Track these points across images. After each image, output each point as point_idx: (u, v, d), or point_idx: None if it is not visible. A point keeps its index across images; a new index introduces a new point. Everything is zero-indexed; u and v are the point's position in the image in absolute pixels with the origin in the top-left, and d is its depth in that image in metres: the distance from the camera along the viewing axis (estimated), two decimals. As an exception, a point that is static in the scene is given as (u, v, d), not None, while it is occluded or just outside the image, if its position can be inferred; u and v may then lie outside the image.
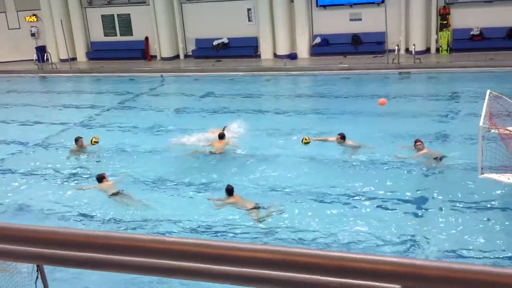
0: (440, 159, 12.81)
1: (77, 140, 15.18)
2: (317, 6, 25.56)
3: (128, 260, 2.06)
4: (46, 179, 13.75)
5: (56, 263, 2.28)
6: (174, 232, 10.47)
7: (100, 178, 12.56)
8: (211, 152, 14.29)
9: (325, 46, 25.61)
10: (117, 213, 11.57)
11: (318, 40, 25.71)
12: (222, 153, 14.28)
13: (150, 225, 10.90)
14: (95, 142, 15.02)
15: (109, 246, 2.05)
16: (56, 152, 15.77)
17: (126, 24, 29.18)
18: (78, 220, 11.41)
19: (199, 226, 10.68)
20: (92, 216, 11.53)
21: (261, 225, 10.50)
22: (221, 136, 14.77)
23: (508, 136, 11.79)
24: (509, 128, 12.01)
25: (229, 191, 11.39)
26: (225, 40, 27.14)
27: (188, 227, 10.69)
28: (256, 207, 11.01)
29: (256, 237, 10.06)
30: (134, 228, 10.84)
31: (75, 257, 2.13)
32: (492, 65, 21.22)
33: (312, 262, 1.81)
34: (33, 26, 30.47)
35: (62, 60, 29.18)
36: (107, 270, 2.21)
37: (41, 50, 28.97)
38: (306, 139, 14.14)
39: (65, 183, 13.39)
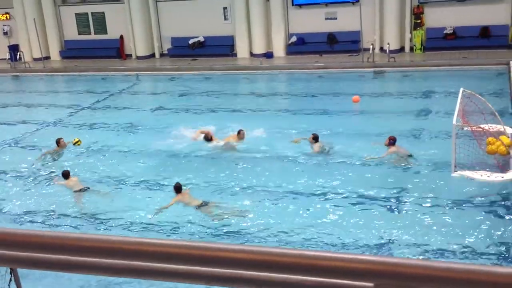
0: (409, 157, 12.90)
1: (58, 141, 14.94)
2: (292, 5, 25.65)
3: (102, 262, 2.06)
4: (18, 179, 13.56)
5: (30, 266, 2.26)
6: (135, 231, 10.47)
7: (66, 175, 12.57)
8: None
9: (301, 45, 25.70)
10: (80, 209, 11.59)
11: (294, 39, 25.80)
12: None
13: (112, 222, 10.86)
14: (77, 143, 14.85)
15: (83, 248, 2.04)
16: (30, 152, 15.55)
17: (100, 23, 28.91)
18: (46, 218, 11.33)
19: (155, 224, 10.66)
20: (57, 214, 11.49)
21: (215, 222, 10.48)
22: (239, 133, 14.75)
23: (481, 133, 12.00)
24: (481, 125, 12.22)
25: (177, 188, 11.34)
26: (201, 39, 27.07)
27: (148, 225, 10.68)
28: (204, 205, 10.99)
29: (215, 236, 10.02)
30: (101, 223, 10.79)
31: (49, 260, 2.11)
32: (465, 63, 21.50)
33: (286, 262, 1.82)
34: (5, 25, 30.04)
35: (36, 59, 28.79)
36: (81, 273, 2.19)
37: (14, 49, 28.54)
38: (296, 140, 14.28)
39: (39, 183, 13.23)
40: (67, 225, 11.05)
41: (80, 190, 12.24)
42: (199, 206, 10.98)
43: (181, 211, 11.02)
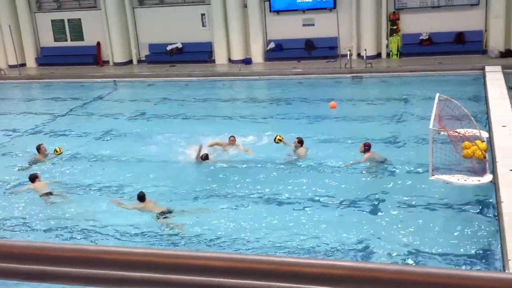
0: (383, 162, 12.97)
1: (38, 148, 14.76)
2: (270, 11, 25.72)
3: (79, 272, 2.03)
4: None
5: (4, 277, 2.21)
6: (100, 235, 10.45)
7: (33, 178, 12.49)
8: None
9: (279, 51, 25.77)
10: (46, 214, 11.55)
11: (272, 45, 25.87)
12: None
13: (76, 229, 10.80)
14: (59, 152, 14.65)
15: (59, 258, 2.01)
16: (6, 160, 15.33)
17: (77, 29, 28.65)
18: (12, 224, 11.23)
19: (122, 232, 10.60)
20: (23, 219, 11.42)
21: (181, 230, 10.43)
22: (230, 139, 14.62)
23: (457, 137, 12.15)
24: (457, 130, 12.38)
25: (141, 197, 11.31)
26: (179, 45, 27.00)
27: (115, 232, 10.62)
28: (167, 213, 10.93)
29: (184, 244, 9.95)
30: (65, 229, 10.73)
31: (22, 270, 2.08)
32: (440, 69, 21.78)
33: (261, 268, 1.81)
34: (-21, 31, 29.59)
35: (11, 66, 28.40)
36: (58, 283, 2.16)
37: (-12, 56, 28.18)
38: (279, 138, 14.25)
39: (12, 190, 13.07)
40: (32, 230, 10.94)
41: (47, 194, 12.15)
42: (163, 213, 10.91)
43: (145, 219, 10.94)
